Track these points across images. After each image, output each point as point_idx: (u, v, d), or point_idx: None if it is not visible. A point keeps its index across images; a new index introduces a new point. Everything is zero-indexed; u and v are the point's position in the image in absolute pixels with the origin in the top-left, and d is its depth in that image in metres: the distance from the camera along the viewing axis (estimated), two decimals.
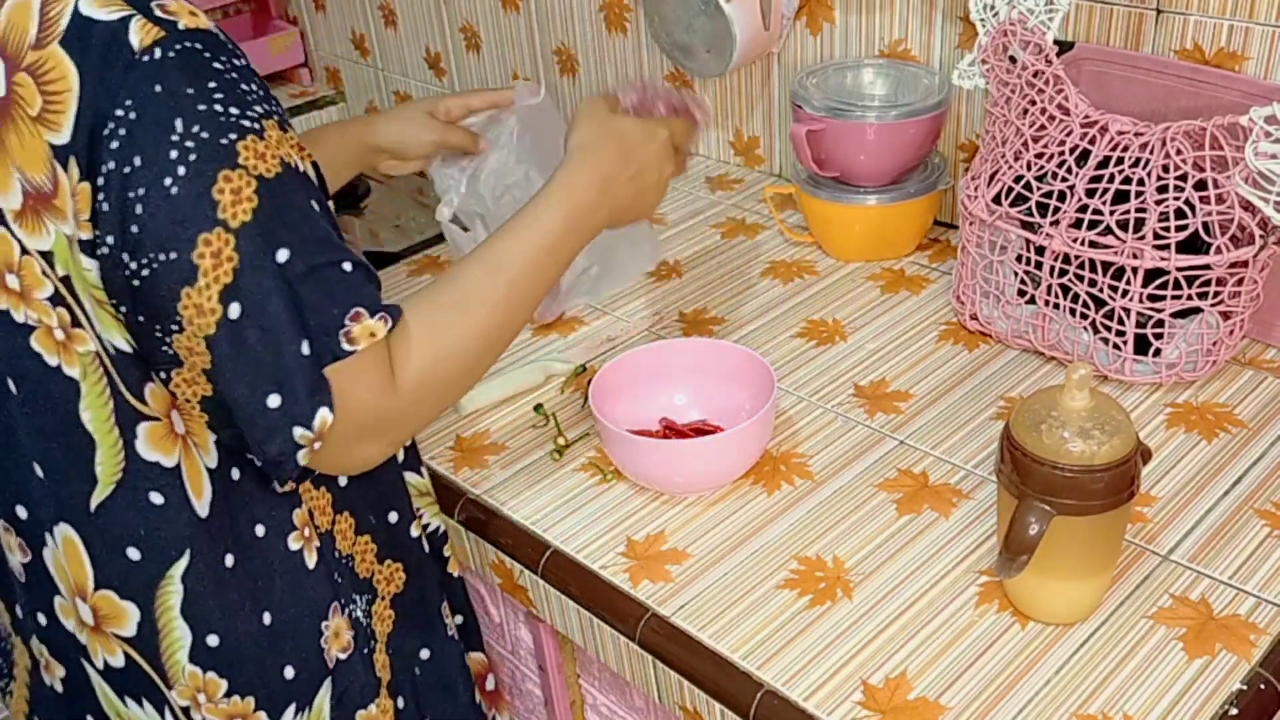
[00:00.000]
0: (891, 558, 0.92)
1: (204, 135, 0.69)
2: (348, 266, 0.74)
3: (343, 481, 0.88)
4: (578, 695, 1.11)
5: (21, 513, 0.81)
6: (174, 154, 0.69)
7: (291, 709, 0.86)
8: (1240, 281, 1.02)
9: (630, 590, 0.91)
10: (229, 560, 0.82)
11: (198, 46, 0.70)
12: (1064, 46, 1.14)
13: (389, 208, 1.83)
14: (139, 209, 0.69)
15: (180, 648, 0.82)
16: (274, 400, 0.72)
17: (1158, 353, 1.06)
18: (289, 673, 0.85)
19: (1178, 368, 1.06)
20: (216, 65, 0.71)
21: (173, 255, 0.69)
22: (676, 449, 1.00)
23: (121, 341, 0.75)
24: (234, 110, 0.70)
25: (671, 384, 1.09)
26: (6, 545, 0.85)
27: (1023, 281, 1.10)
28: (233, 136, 0.70)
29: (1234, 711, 0.77)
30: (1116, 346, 1.06)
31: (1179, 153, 0.98)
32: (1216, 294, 1.02)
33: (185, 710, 0.83)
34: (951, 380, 1.12)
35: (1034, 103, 1.06)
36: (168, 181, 0.68)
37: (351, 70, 2.23)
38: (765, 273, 1.33)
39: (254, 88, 0.73)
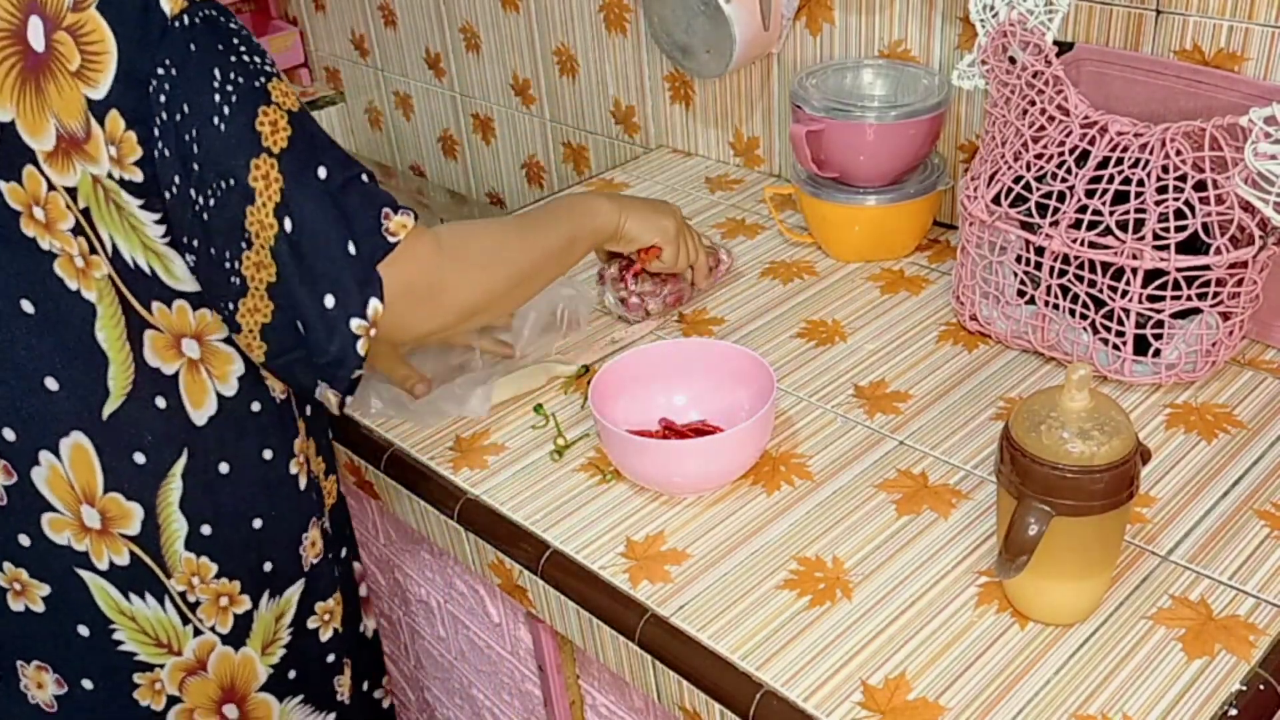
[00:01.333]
0: (891, 558, 0.92)
1: (240, 80, 0.81)
2: (365, 178, 0.86)
3: (308, 410, 1.01)
4: (577, 695, 1.11)
5: (9, 435, 0.87)
6: (217, 98, 0.80)
7: (266, 594, 0.99)
8: (1240, 282, 1.02)
9: (630, 591, 0.91)
10: (223, 468, 0.93)
11: (213, 12, 0.82)
12: (1063, 47, 1.14)
13: None
14: (195, 148, 0.80)
15: (178, 538, 0.92)
16: (329, 300, 0.83)
17: (1157, 353, 1.06)
18: (268, 567, 0.98)
19: (1177, 368, 1.06)
20: (232, 25, 0.83)
21: (231, 181, 0.80)
22: (676, 449, 1.00)
23: (142, 260, 0.85)
24: (256, 59, 0.83)
25: (671, 384, 1.09)
26: None
27: (1022, 282, 1.10)
28: (262, 80, 0.82)
29: (1233, 712, 0.77)
30: (1116, 347, 1.06)
31: (1178, 153, 0.99)
32: (1216, 295, 1.02)
33: (182, 595, 0.94)
34: (951, 381, 1.12)
35: (1033, 103, 1.06)
36: (215, 120, 0.80)
37: (351, 70, 2.23)
38: (765, 273, 1.33)
39: (258, 42, 0.85)
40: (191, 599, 0.94)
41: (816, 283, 1.31)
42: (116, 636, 0.93)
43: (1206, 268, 1.00)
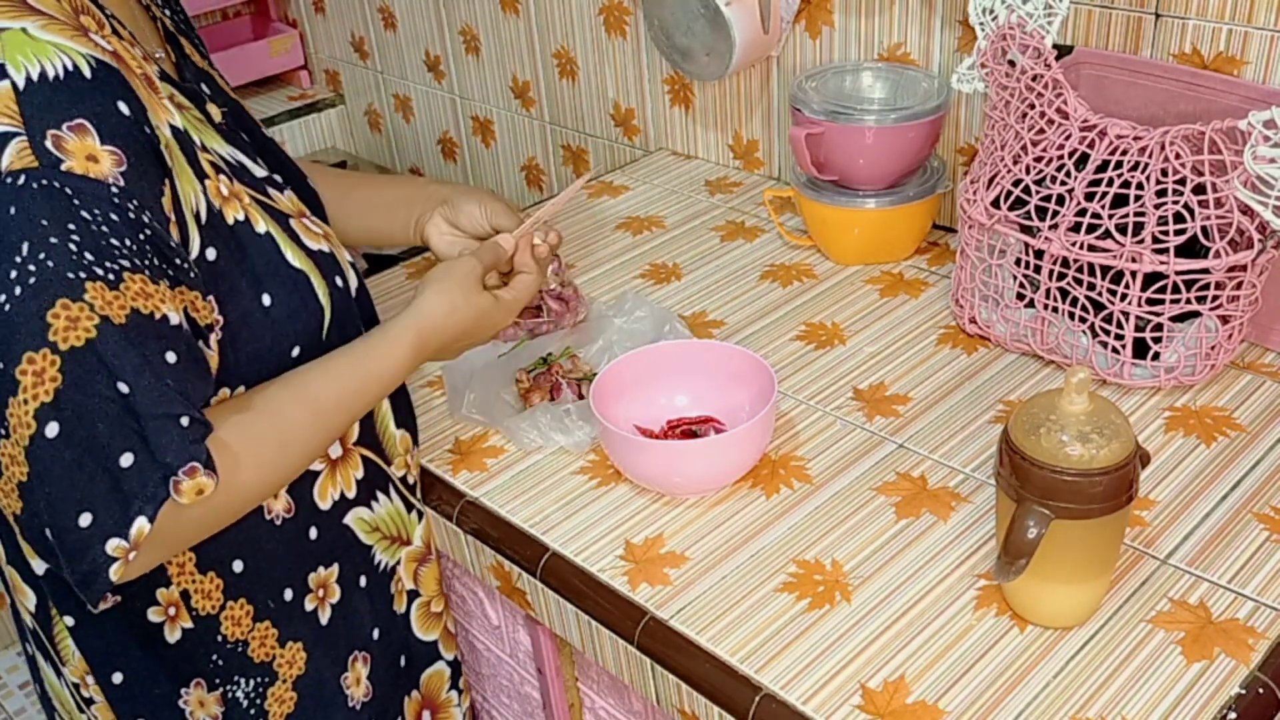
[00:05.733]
0: (890, 561, 0.92)
1: (49, 264, 0.70)
2: (185, 421, 0.75)
3: (238, 567, 0.91)
4: (576, 698, 1.11)
5: None
6: (14, 274, 0.70)
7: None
8: (1239, 285, 1.02)
9: (629, 593, 0.91)
10: (69, 620, 0.91)
11: (68, 191, 0.71)
12: (1063, 50, 1.14)
13: None
14: None
15: (88, 672, 0.93)
16: (85, 519, 0.73)
17: (1156, 356, 1.06)
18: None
19: (1176, 371, 1.06)
20: (84, 214, 0.71)
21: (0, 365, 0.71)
22: (677, 449, 1.00)
23: None
24: (89, 255, 0.71)
25: (673, 385, 1.09)
26: None
27: (1021, 285, 1.10)
28: (81, 275, 0.71)
29: (1232, 716, 0.77)
30: (1115, 350, 1.06)
31: (1178, 157, 0.99)
32: (1215, 298, 1.02)
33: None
34: (950, 384, 1.12)
35: (1033, 106, 1.06)
36: (2, 298, 0.70)
37: (351, 73, 2.24)
38: (764, 276, 1.33)
39: (127, 243, 0.73)
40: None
41: (816, 285, 1.31)
42: None
43: (1205, 271, 1.00)
